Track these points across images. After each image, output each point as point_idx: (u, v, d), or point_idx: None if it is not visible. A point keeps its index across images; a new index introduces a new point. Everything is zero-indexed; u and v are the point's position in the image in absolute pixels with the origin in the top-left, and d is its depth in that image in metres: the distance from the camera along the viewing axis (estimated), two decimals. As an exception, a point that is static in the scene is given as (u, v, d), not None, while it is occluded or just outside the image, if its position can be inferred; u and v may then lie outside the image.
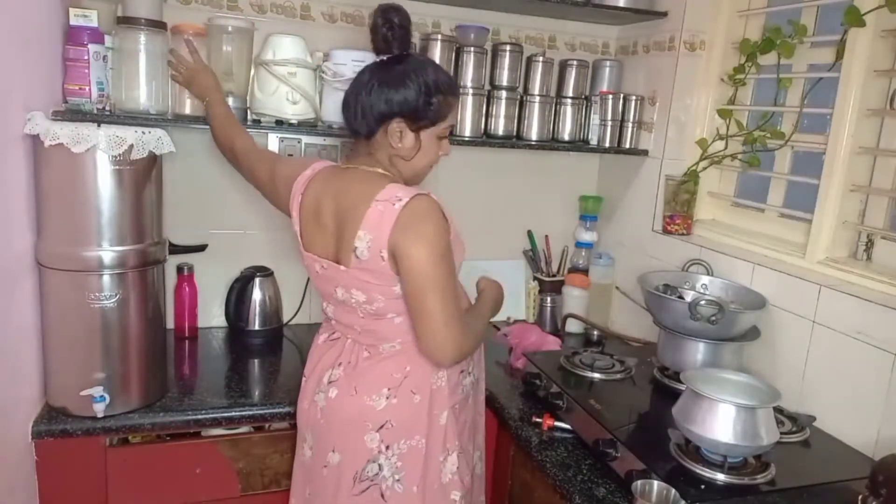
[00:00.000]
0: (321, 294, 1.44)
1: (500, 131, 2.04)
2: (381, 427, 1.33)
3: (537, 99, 2.05)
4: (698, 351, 1.59)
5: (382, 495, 1.34)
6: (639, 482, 1.22)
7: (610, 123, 2.10)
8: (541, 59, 2.06)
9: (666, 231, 2.00)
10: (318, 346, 1.47)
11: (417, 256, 1.23)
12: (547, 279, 2.29)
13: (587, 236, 2.32)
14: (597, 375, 1.67)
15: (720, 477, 1.23)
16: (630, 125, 2.11)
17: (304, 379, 1.47)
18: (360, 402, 1.34)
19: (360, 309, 1.34)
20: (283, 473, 1.61)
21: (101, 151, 1.36)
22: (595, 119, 2.11)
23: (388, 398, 1.33)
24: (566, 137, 2.13)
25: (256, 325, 1.96)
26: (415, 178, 1.41)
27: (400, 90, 1.30)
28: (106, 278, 1.41)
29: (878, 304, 1.39)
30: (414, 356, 1.34)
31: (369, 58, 1.79)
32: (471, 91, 1.96)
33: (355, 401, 1.34)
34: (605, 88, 2.15)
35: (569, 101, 2.11)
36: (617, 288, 2.20)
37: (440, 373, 1.36)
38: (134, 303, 1.46)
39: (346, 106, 1.36)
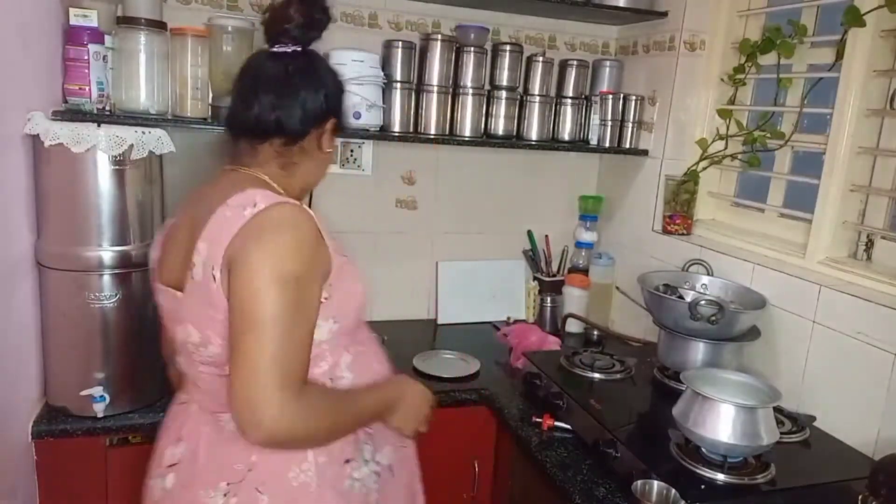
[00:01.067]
0: (173, 343, 1.13)
1: (500, 131, 2.04)
2: None
3: (537, 99, 2.05)
4: (698, 351, 1.59)
5: None
6: (639, 482, 1.22)
7: (610, 123, 2.10)
8: (541, 59, 2.06)
9: (666, 231, 2.00)
10: (170, 410, 1.18)
11: (248, 272, 0.93)
12: (547, 279, 2.29)
13: (587, 236, 2.32)
14: (597, 375, 1.67)
15: (720, 477, 1.23)
16: (630, 125, 2.11)
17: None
18: (192, 497, 1.03)
19: (197, 355, 1.03)
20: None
21: (101, 151, 1.36)
22: (595, 119, 2.11)
23: (225, 497, 1.00)
24: (566, 137, 2.13)
25: (256, 325, 1.96)
26: (305, 191, 1.18)
27: (331, 86, 1.12)
28: (106, 278, 1.41)
29: (878, 304, 1.39)
30: None
31: (369, 58, 1.81)
32: (471, 91, 1.96)
33: (187, 496, 1.04)
34: (605, 88, 2.15)
35: (569, 101, 2.11)
36: (617, 288, 2.19)
37: (304, 463, 1.01)
38: (134, 303, 1.46)
39: (252, 99, 1.07)
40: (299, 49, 1.09)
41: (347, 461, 1.07)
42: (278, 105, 1.06)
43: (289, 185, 1.10)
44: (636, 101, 2.10)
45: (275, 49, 1.09)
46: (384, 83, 1.86)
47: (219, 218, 0.97)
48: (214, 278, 0.95)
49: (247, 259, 0.94)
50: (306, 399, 0.95)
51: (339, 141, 1.22)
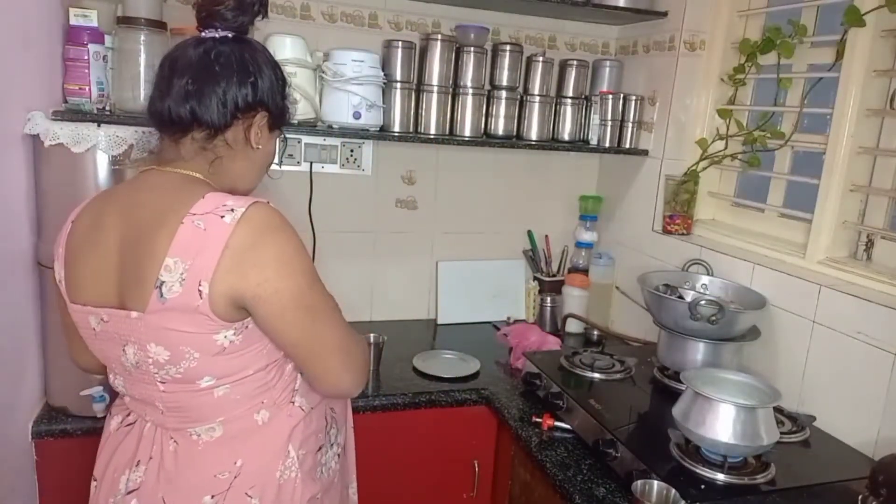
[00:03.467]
0: (104, 361, 1.06)
1: (500, 131, 2.04)
2: None
3: (537, 99, 2.05)
4: (698, 351, 1.59)
5: None
6: (639, 482, 1.22)
7: (610, 123, 2.10)
8: (541, 59, 2.06)
9: (666, 231, 2.00)
10: (110, 436, 1.08)
11: (288, 289, 0.93)
12: (547, 279, 2.29)
13: (587, 236, 2.32)
14: (597, 375, 1.67)
15: (720, 477, 1.23)
16: (630, 125, 2.11)
17: (93, 484, 1.09)
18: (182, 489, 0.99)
19: (159, 375, 0.96)
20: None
21: (101, 151, 1.36)
22: (595, 119, 2.11)
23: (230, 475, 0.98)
24: (566, 137, 2.13)
25: (256, 325, 1.96)
26: (246, 188, 1.09)
27: (263, 76, 1.02)
28: (106, 278, 1.41)
29: (878, 304, 1.39)
30: (247, 439, 1.00)
31: (369, 58, 1.81)
32: (471, 91, 1.96)
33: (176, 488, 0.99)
34: (605, 88, 2.15)
35: (569, 101, 2.11)
36: (617, 288, 2.20)
37: (288, 459, 1.02)
38: (134, 303, 1.46)
39: (166, 87, 0.99)
40: (228, 35, 1.02)
41: (320, 448, 1.09)
42: (193, 92, 0.97)
43: (217, 185, 1.01)
44: (636, 101, 2.10)
45: (202, 34, 1.02)
46: (384, 83, 1.86)
47: (189, 230, 0.90)
48: (201, 294, 0.89)
49: (273, 279, 0.92)
50: (356, 338, 1.07)
51: (278, 140, 1.14)
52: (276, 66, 1.06)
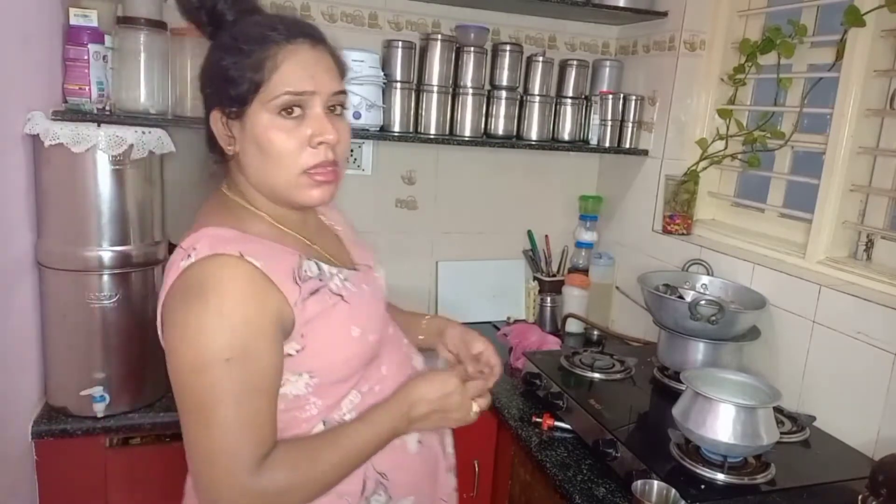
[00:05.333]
0: None
1: (500, 131, 2.04)
2: None
3: (537, 99, 2.05)
4: (698, 351, 1.59)
5: None
6: (639, 482, 1.21)
7: (610, 123, 2.10)
8: (541, 58, 2.06)
9: (666, 231, 2.00)
10: None
11: (173, 357, 0.85)
12: (547, 279, 2.29)
13: (587, 236, 2.32)
14: (597, 375, 1.67)
15: (720, 477, 1.23)
16: (630, 125, 2.11)
17: None
18: None
19: None
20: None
21: (101, 151, 1.36)
22: (595, 119, 2.11)
23: None
24: (566, 137, 2.13)
25: (256, 325, 1.96)
26: (273, 192, 0.94)
27: (203, 76, 0.93)
28: (106, 278, 1.41)
29: (878, 304, 1.39)
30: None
31: (369, 58, 1.81)
32: (471, 91, 1.96)
33: None
34: (605, 88, 2.15)
35: (569, 101, 2.11)
36: (617, 288, 2.19)
37: None
38: (134, 303, 1.46)
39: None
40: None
41: None
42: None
43: (253, 193, 0.95)
44: (636, 101, 2.10)
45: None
46: (384, 83, 1.86)
47: (171, 260, 0.89)
48: (161, 338, 0.89)
49: (170, 339, 0.85)
50: (269, 475, 0.84)
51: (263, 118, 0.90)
52: (211, 54, 0.92)
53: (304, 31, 0.91)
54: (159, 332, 0.90)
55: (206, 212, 0.95)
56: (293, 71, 0.88)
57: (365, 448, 0.93)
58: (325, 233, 1.08)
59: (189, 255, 0.85)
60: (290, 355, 0.90)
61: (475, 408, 1.02)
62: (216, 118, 0.92)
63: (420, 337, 1.21)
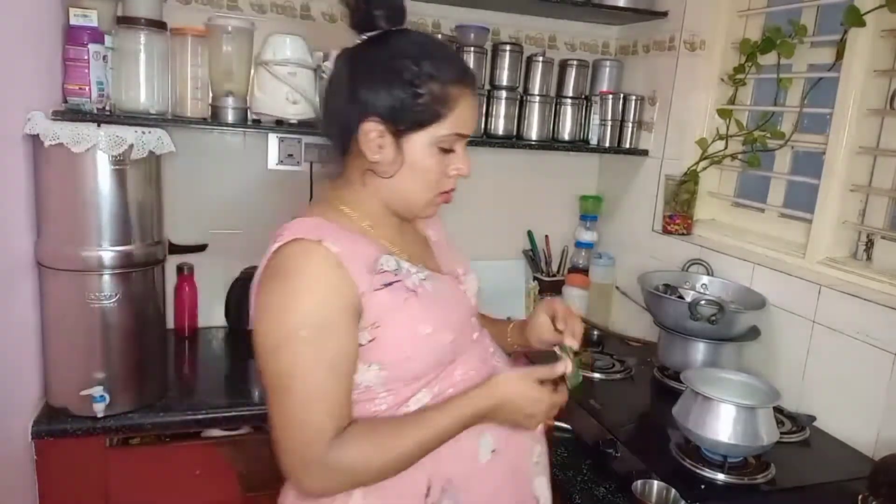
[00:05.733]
0: None
1: (500, 131, 2.03)
2: None
3: (537, 99, 2.05)
4: (698, 351, 1.59)
5: None
6: (639, 482, 1.22)
7: (610, 123, 2.10)
8: (541, 58, 2.06)
9: (666, 231, 2.00)
10: None
11: (257, 333, 0.92)
12: (547, 279, 2.29)
13: (587, 236, 2.32)
14: (597, 375, 1.67)
15: (720, 477, 1.23)
16: (630, 125, 2.11)
17: None
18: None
19: None
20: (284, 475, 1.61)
21: (101, 151, 1.36)
22: (595, 119, 2.11)
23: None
24: (566, 137, 2.13)
25: (256, 325, 1.96)
26: (406, 206, 1.01)
27: (378, 79, 0.93)
28: (106, 278, 1.41)
29: (878, 304, 1.39)
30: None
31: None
32: (471, 91, 1.96)
33: None
34: (605, 88, 2.15)
35: (569, 100, 2.11)
36: (617, 288, 2.20)
37: (350, 499, 0.95)
38: (134, 303, 1.46)
39: (322, 103, 1.04)
40: (363, 38, 0.98)
41: None
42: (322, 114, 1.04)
43: (355, 195, 1.00)
44: (636, 101, 2.10)
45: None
46: (384, 83, 1.86)
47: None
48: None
49: (255, 320, 0.92)
50: (342, 452, 0.89)
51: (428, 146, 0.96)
52: (420, 56, 0.94)
53: (474, 78, 1.01)
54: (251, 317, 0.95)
55: (309, 205, 1.03)
56: (465, 115, 0.97)
57: (441, 435, 0.95)
58: (415, 238, 1.12)
59: (276, 241, 0.92)
60: (360, 344, 0.93)
61: (552, 420, 1.05)
62: (373, 128, 0.94)
63: (508, 339, 1.22)
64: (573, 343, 1.09)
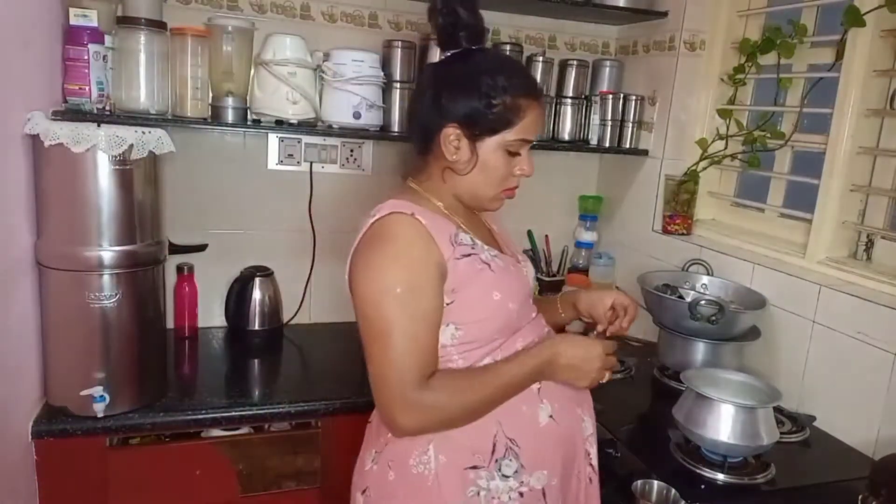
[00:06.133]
0: None
1: (501, 131, 2.03)
2: (363, 491, 1.15)
3: (537, 99, 2.05)
4: (698, 351, 1.59)
5: None
6: (639, 482, 1.22)
7: (610, 123, 2.10)
8: (541, 58, 2.06)
9: (666, 231, 2.00)
10: None
11: (357, 291, 1.06)
12: (547, 279, 2.29)
13: (587, 236, 2.32)
14: (597, 375, 1.67)
15: (720, 477, 1.23)
16: (630, 125, 2.11)
17: None
18: (361, 454, 1.20)
19: None
20: (284, 475, 1.61)
21: (101, 151, 1.36)
22: (595, 119, 2.11)
23: (372, 461, 1.14)
24: (566, 137, 2.13)
25: (256, 325, 1.96)
26: (475, 200, 1.17)
27: (456, 93, 1.09)
28: (106, 278, 1.41)
29: (878, 304, 1.39)
30: None
31: (369, 58, 1.81)
32: (471, 91, 1.96)
33: (361, 453, 1.20)
34: (605, 88, 2.15)
35: (569, 100, 2.11)
36: (617, 288, 2.20)
37: (424, 455, 1.08)
38: (134, 303, 1.46)
39: (409, 109, 1.22)
40: (446, 55, 1.14)
41: (474, 467, 1.07)
42: (407, 116, 1.18)
43: (435, 188, 1.15)
44: (636, 101, 2.10)
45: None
46: (384, 83, 1.86)
47: (361, 225, 1.09)
48: (349, 289, 1.09)
49: (354, 280, 1.06)
50: (431, 393, 1.03)
51: (495, 149, 1.12)
52: (495, 72, 1.09)
53: (542, 91, 1.20)
54: (346, 283, 1.10)
55: (394, 194, 1.13)
56: (532, 124, 1.13)
57: (511, 382, 1.08)
58: (481, 227, 1.26)
59: (374, 216, 1.07)
60: (446, 304, 1.07)
61: (606, 377, 1.16)
62: (453, 132, 1.09)
63: (561, 314, 1.36)
64: (625, 326, 1.28)
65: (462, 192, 1.15)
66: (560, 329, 1.33)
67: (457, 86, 1.09)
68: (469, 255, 1.09)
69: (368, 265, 1.04)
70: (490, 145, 1.11)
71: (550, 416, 1.12)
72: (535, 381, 1.11)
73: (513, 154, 1.13)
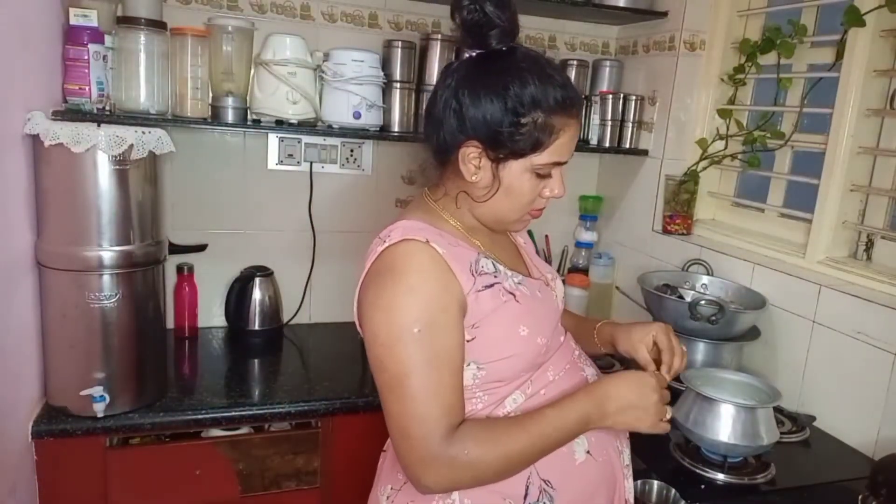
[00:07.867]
0: None
1: (500, 131, 2.03)
2: None
3: (537, 99, 2.05)
4: (698, 351, 1.59)
5: None
6: (639, 482, 1.21)
7: (610, 123, 2.10)
8: (541, 59, 2.06)
9: (666, 231, 2.00)
10: None
11: (368, 331, 0.93)
12: (547, 279, 2.29)
13: (587, 236, 2.32)
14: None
15: (720, 477, 1.23)
16: (630, 125, 2.11)
17: None
18: (374, 489, 1.10)
19: None
20: (284, 475, 1.61)
21: (101, 151, 1.36)
22: (595, 119, 2.11)
23: (387, 500, 1.04)
24: (566, 137, 2.13)
25: (256, 325, 1.96)
26: (497, 223, 1.04)
27: (482, 102, 0.93)
28: (106, 278, 1.41)
29: (878, 304, 1.39)
30: None
31: (369, 58, 1.81)
32: (471, 91, 1.96)
33: (374, 488, 1.11)
34: (605, 88, 2.15)
35: (569, 101, 2.11)
36: (617, 288, 2.19)
37: (448, 498, 0.96)
38: (134, 303, 1.46)
39: (426, 113, 1.03)
40: (474, 54, 0.98)
41: None
42: (425, 115, 1.03)
43: (451, 206, 1.03)
44: (636, 101, 2.10)
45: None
46: (384, 83, 1.86)
47: (370, 248, 0.98)
48: (357, 322, 0.99)
49: (364, 311, 0.94)
50: (461, 446, 0.89)
51: (521, 171, 0.98)
52: (528, 82, 0.94)
53: (580, 102, 1.01)
54: (355, 316, 0.98)
55: (406, 210, 1.04)
56: (565, 145, 0.98)
57: (553, 434, 0.94)
58: (506, 245, 1.14)
59: (384, 241, 0.94)
60: (467, 340, 0.95)
61: (668, 413, 1.00)
62: (474, 150, 0.95)
63: (599, 347, 1.21)
64: (666, 378, 1.05)
65: (482, 214, 1.02)
66: (593, 357, 1.19)
67: (481, 95, 0.93)
68: (492, 285, 0.96)
69: (379, 302, 0.91)
70: (516, 169, 0.96)
71: (588, 452, 1.01)
72: (582, 431, 0.97)
73: (542, 176, 0.99)
